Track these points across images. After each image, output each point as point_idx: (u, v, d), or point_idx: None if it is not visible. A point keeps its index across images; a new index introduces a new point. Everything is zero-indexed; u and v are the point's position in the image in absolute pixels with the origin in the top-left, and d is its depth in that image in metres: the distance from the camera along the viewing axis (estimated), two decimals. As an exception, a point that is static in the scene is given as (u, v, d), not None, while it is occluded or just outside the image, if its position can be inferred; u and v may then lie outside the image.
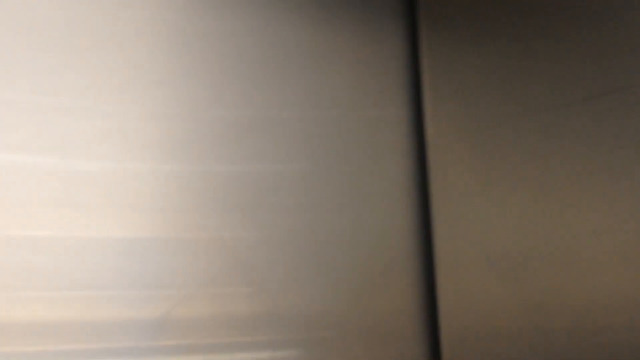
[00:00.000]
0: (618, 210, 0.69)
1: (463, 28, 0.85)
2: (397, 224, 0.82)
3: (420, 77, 0.87)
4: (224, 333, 0.69)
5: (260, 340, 0.71)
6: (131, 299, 0.66)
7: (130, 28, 0.72)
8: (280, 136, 0.77)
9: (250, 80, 0.77)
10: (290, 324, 0.73)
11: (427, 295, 0.81)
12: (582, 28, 0.74)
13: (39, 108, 0.67)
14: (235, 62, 0.77)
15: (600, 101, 0.72)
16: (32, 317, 0.62)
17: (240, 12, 0.78)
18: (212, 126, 0.74)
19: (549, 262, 0.74)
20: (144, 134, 0.71)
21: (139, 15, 0.72)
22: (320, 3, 0.83)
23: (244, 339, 0.70)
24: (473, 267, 0.80)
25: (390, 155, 0.84)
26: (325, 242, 0.77)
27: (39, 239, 0.64)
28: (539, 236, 0.75)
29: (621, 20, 0.71)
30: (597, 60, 0.73)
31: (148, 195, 0.69)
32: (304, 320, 0.73)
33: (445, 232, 0.82)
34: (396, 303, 0.79)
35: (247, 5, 0.79)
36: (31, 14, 0.67)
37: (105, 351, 0.64)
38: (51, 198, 0.65)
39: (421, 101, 0.86)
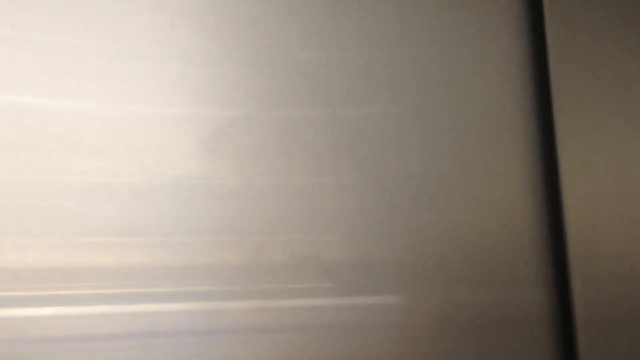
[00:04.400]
0: None
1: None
2: (515, 166, 0.75)
3: (542, 10, 0.78)
4: (310, 278, 0.69)
5: (348, 286, 0.69)
6: (217, 244, 0.67)
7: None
8: (379, 78, 0.74)
9: (341, 18, 0.74)
10: (389, 270, 0.70)
11: (552, 230, 0.75)
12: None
13: (92, 53, 0.67)
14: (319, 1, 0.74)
15: None
16: (116, 262, 0.64)
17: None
18: (303, 70, 0.72)
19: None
20: (236, 79, 0.70)
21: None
22: None
23: (330, 285, 0.69)
24: (606, 199, 0.74)
25: (508, 95, 0.77)
26: (429, 185, 0.73)
27: (120, 186, 0.65)
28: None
29: None
30: None
31: (235, 140, 0.69)
32: (406, 266, 0.71)
33: (572, 176, 0.75)
34: (517, 242, 0.74)
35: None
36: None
37: (192, 294, 0.65)
38: (103, 143, 0.66)
39: (544, 36, 0.78)
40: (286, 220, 0.69)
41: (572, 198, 0.75)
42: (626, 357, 0.73)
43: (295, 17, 0.73)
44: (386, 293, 0.70)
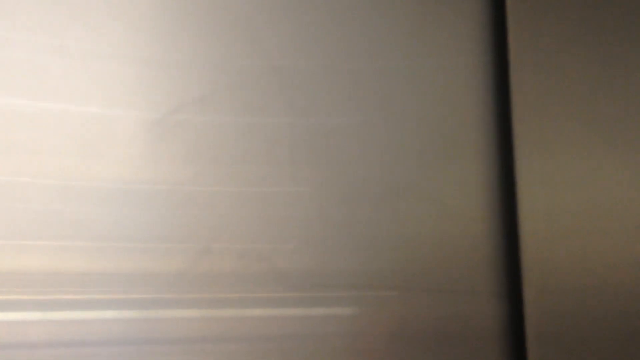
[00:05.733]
0: None
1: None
2: (473, 177, 0.75)
3: (505, 20, 0.78)
4: (267, 288, 0.67)
5: (304, 296, 0.68)
6: (166, 250, 0.64)
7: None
8: (340, 88, 0.72)
9: (302, 24, 0.72)
10: (341, 281, 0.69)
11: (507, 246, 0.75)
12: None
13: (47, 50, 0.64)
14: (281, 6, 0.72)
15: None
16: (48, 266, 0.61)
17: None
18: (262, 76, 0.70)
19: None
20: (187, 82, 0.67)
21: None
22: None
23: (288, 295, 0.68)
24: (559, 219, 0.74)
25: (468, 107, 0.76)
26: (388, 194, 0.72)
27: (54, 188, 0.62)
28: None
29: None
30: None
31: (187, 145, 0.67)
32: (358, 278, 0.70)
33: (530, 188, 0.74)
34: (471, 254, 0.73)
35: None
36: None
37: (128, 302, 0.63)
38: (69, 145, 0.63)
39: (506, 46, 0.78)
40: (238, 227, 0.67)
41: (529, 211, 0.74)
42: (577, 371, 0.74)
43: (259, 24, 0.71)
44: (339, 304, 0.69)
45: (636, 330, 0.74)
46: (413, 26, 0.76)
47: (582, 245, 0.75)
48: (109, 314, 0.61)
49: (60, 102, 0.64)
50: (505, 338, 0.73)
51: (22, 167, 0.62)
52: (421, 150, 0.74)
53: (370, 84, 0.74)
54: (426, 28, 0.77)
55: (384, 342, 0.69)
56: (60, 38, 0.64)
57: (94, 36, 0.65)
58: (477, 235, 0.74)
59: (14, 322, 0.59)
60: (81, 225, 0.62)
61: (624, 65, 0.79)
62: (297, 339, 0.67)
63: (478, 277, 0.73)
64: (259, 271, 0.67)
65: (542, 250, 0.74)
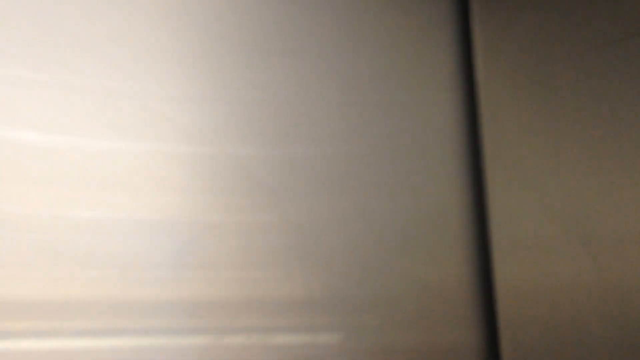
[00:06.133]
0: None
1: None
2: (448, 206, 0.78)
3: (472, 58, 0.81)
4: (258, 316, 0.69)
5: (296, 323, 0.70)
6: (162, 279, 0.66)
7: (158, 6, 0.71)
8: (320, 119, 0.75)
9: (285, 58, 0.74)
10: (329, 308, 0.71)
11: (482, 276, 0.78)
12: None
13: (67, 87, 0.66)
14: (266, 41, 0.74)
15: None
16: (66, 296, 0.63)
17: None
18: (249, 108, 0.72)
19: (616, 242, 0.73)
20: (178, 117, 0.69)
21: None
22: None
23: (279, 323, 0.69)
24: (531, 245, 0.76)
25: (439, 135, 0.80)
26: (367, 224, 0.75)
27: (70, 219, 0.64)
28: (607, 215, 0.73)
29: None
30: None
31: (182, 177, 0.69)
32: (345, 305, 0.72)
33: (501, 213, 0.77)
34: (449, 287, 0.76)
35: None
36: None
37: (138, 330, 0.65)
38: (84, 178, 0.66)
39: (474, 77, 0.81)
40: (225, 257, 0.69)
41: (502, 248, 0.77)
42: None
43: (229, 56, 0.73)
44: (322, 331, 0.71)
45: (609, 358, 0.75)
46: (384, 63, 0.79)
47: (553, 279, 0.76)
48: (92, 342, 0.64)
49: (69, 135, 0.66)
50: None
51: (39, 199, 0.64)
52: (397, 183, 0.77)
53: (346, 116, 0.76)
54: (396, 64, 0.79)
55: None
56: (74, 75, 0.68)
57: (102, 73, 0.68)
58: (455, 269, 0.77)
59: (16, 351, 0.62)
60: (77, 256, 0.65)
61: (595, 101, 0.78)
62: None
63: (456, 308, 0.76)
64: (243, 299, 0.69)
65: (515, 284, 0.76)
